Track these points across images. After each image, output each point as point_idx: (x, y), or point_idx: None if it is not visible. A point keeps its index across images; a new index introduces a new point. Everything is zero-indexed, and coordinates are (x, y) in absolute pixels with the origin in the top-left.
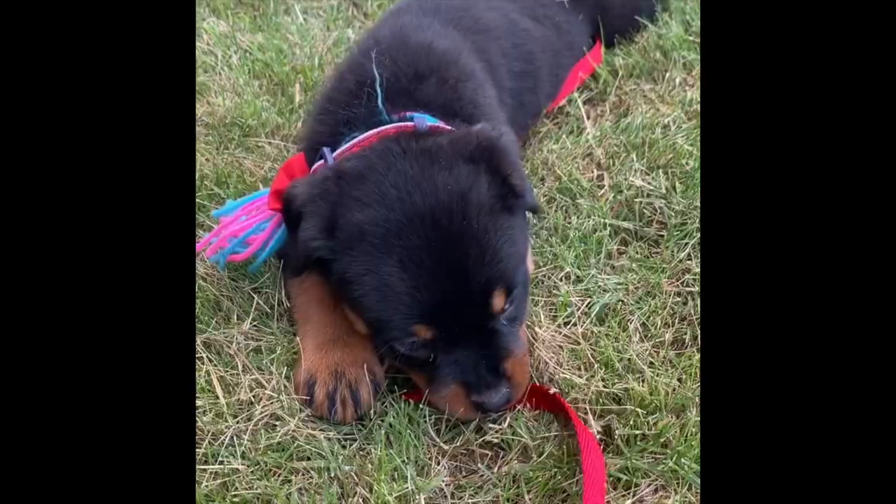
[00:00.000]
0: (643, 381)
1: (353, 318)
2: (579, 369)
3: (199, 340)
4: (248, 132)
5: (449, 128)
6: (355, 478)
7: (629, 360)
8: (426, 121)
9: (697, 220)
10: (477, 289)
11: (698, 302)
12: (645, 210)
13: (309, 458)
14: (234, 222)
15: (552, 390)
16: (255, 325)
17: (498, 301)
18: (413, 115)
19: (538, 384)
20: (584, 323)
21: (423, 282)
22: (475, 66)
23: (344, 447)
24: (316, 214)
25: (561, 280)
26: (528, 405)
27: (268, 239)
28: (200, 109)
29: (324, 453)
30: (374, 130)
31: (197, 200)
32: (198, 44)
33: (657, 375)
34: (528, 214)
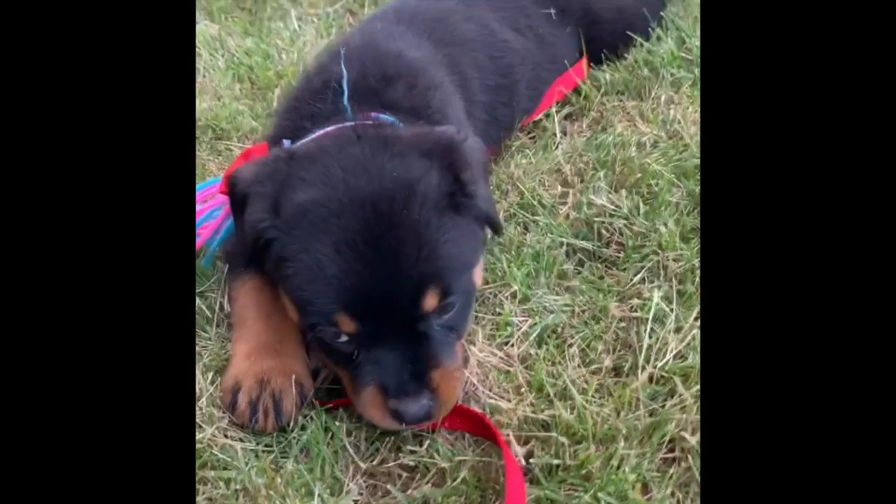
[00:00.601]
0: (573, 408)
1: (285, 301)
2: (508, 392)
3: None
4: (221, 135)
5: None
6: (265, 491)
7: (563, 385)
8: (391, 122)
9: (656, 244)
10: (408, 282)
11: (643, 328)
12: (604, 230)
13: (225, 468)
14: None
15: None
16: None
17: (430, 301)
18: (378, 115)
19: (464, 405)
20: (522, 344)
21: (352, 266)
22: (444, 79)
23: (259, 459)
24: (262, 195)
25: (507, 298)
26: (447, 425)
27: (218, 227)
28: None
29: (236, 464)
30: (337, 125)
31: None
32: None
33: (588, 403)
34: (488, 232)
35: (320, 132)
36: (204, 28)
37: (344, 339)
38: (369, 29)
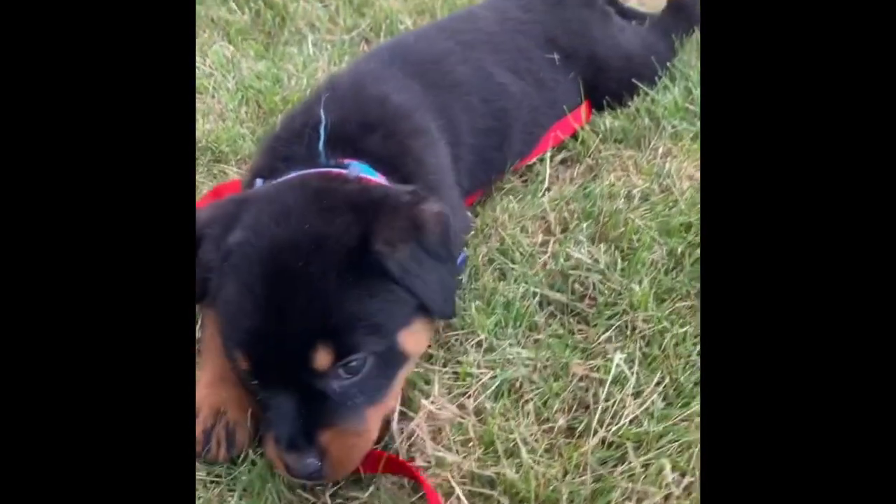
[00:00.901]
0: (519, 466)
1: None
2: (457, 444)
3: None
4: (219, 158)
5: (381, 181)
6: None
7: (513, 442)
8: (359, 170)
9: (628, 302)
10: (295, 334)
11: (601, 391)
12: (579, 284)
13: None
14: None
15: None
16: None
17: (322, 358)
18: (350, 163)
19: (389, 454)
20: (479, 397)
21: (250, 310)
22: (430, 124)
23: (206, 489)
24: (211, 237)
25: (472, 347)
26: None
27: None
28: None
29: None
30: (307, 171)
31: None
32: (201, 66)
33: (536, 463)
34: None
35: (291, 175)
36: (219, 49)
37: (249, 379)
38: (360, 69)
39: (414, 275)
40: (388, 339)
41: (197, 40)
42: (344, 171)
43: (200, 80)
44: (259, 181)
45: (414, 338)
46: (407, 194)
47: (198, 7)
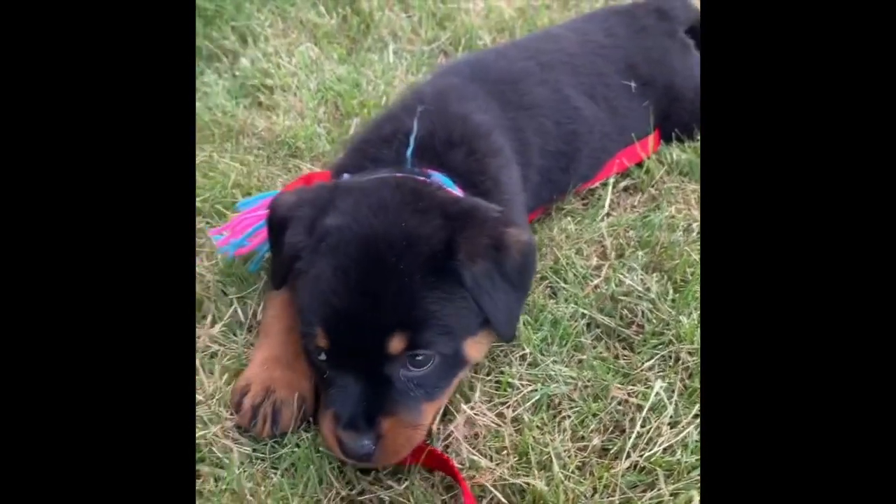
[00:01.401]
0: (550, 480)
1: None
2: (490, 450)
3: None
4: (295, 153)
5: (460, 194)
6: (248, 496)
7: (547, 455)
8: (441, 181)
9: (674, 334)
10: (378, 320)
11: (639, 416)
12: (628, 310)
13: (220, 467)
14: (251, 216)
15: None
16: (223, 331)
17: (395, 344)
18: (432, 174)
19: (434, 448)
20: (518, 408)
21: (339, 290)
22: (505, 145)
23: (251, 464)
24: (302, 218)
25: (517, 359)
26: (413, 462)
27: (258, 252)
28: (262, 124)
29: (230, 465)
30: (395, 173)
31: (219, 207)
32: (286, 65)
33: (566, 478)
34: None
35: (380, 174)
36: (305, 50)
37: (322, 356)
38: (443, 83)
39: (485, 291)
40: (455, 342)
41: (285, 40)
42: (427, 180)
43: (285, 79)
44: (347, 175)
45: (476, 347)
46: (496, 213)
47: (289, 8)
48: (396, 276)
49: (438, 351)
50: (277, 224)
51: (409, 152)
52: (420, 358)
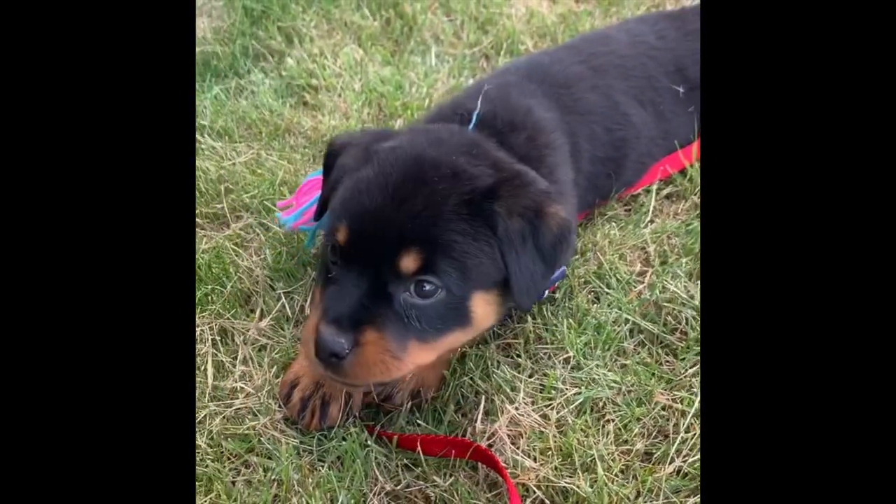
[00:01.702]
0: (594, 482)
1: None
2: (535, 451)
3: (215, 325)
4: None
5: None
6: (296, 487)
7: (591, 458)
8: None
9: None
10: (399, 229)
11: (682, 422)
12: (672, 317)
13: (268, 457)
14: (313, 189)
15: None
16: (271, 325)
17: (407, 261)
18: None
19: (480, 445)
20: (562, 410)
21: (372, 191)
22: (564, 144)
23: (300, 456)
24: (357, 145)
25: (560, 362)
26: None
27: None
28: (308, 123)
29: (278, 455)
30: None
31: (267, 203)
32: (331, 66)
33: (610, 481)
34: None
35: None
36: (350, 51)
37: (335, 259)
38: (503, 80)
39: (513, 248)
40: (466, 286)
41: (330, 41)
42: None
43: (330, 80)
44: None
45: (484, 307)
46: (546, 186)
47: (333, 10)
48: (431, 195)
49: (447, 285)
50: (332, 155)
51: (471, 126)
52: (427, 288)
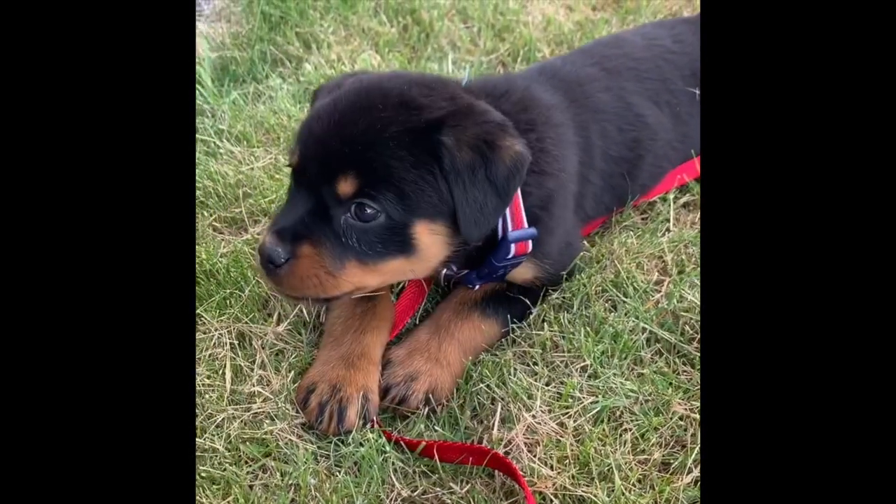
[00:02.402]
0: (611, 491)
1: None
2: (552, 459)
3: (234, 329)
4: None
5: None
6: (312, 492)
7: (608, 467)
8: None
9: None
10: (339, 153)
11: (699, 432)
12: (689, 326)
13: (285, 462)
14: None
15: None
16: (289, 330)
17: (345, 185)
18: None
19: (497, 452)
20: (579, 418)
21: (322, 117)
22: (567, 131)
23: (317, 461)
24: (331, 85)
25: (577, 371)
26: (476, 464)
27: None
28: None
29: (295, 460)
30: None
31: None
32: (349, 71)
33: (627, 490)
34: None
35: None
36: (367, 57)
37: (292, 181)
38: (510, 75)
39: (461, 181)
40: (407, 213)
41: (347, 47)
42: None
43: None
44: None
45: (429, 237)
46: (503, 121)
47: (351, 16)
48: (375, 123)
49: (386, 210)
50: (315, 94)
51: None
52: (368, 211)
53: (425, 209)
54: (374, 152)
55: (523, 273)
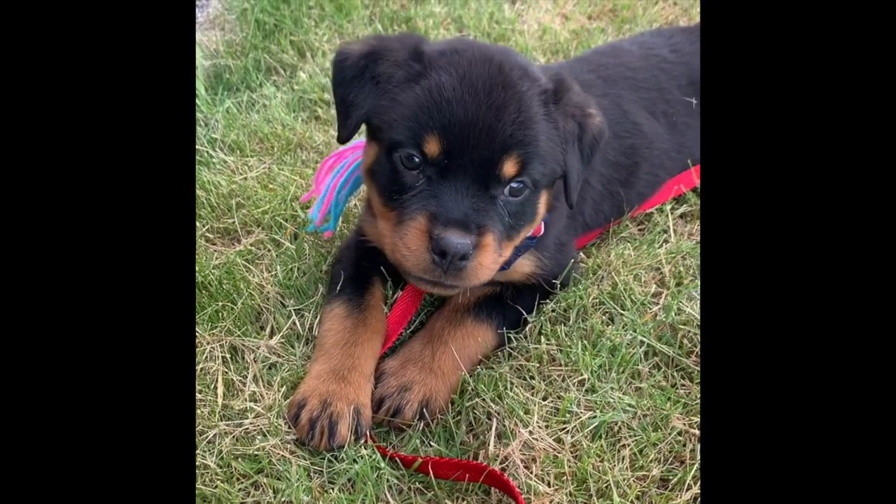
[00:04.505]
0: None
1: (372, 139)
2: (549, 476)
3: (226, 342)
4: None
5: None
6: None
7: (606, 484)
8: None
9: None
10: (501, 136)
11: (699, 447)
12: (687, 339)
13: (278, 478)
14: (325, 167)
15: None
16: (281, 343)
17: (510, 166)
18: None
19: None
20: (576, 434)
21: (465, 99)
22: None
23: (310, 478)
24: (397, 48)
25: (574, 385)
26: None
27: (331, 204)
28: (320, 138)
29: (288, 477)
30: None
31: (279, 219)
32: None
33: None
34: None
35: None
36: None
37: (416, 168)
38: None
39: (569, 148)
40: (542, 181)
41: None
42: None
43: None
44: None
45: (544, 205)
46: (583, 96)
47: (346, 24)
48: (520, 98)
49: (533, 181)
50: (355, 65)
51: None
52: (516, 185)
53: (549, 176)
54: (529, 129)
55: (523, 265)
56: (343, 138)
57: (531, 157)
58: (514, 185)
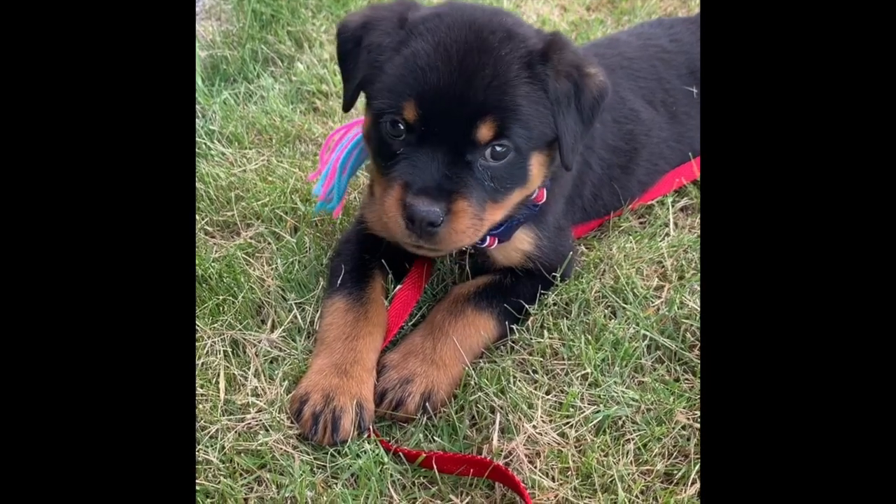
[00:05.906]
0: (614, 503)
1: (367, 107)
2: (554, 471)
3: (227, 337)
4: None
5: None
6: (310, 503)
7: (610, 478)
8: None
9: None
10: (474, 100)
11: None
12: (690, 333)
13: (281, 474)
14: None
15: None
16: (283, 337)
17: (485, 130)
18: None
19: (499, 464)
20: (580, 428)
21: (438, 66)
22: None
23: (313, 473)
24: (385, 17)
25: (578, 379)
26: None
27: (335, 179)
28: (319, 130)
29: (292, 472)
30: None
31: (279, 212)
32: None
33: (631, 502)
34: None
35: None
36: None
37: (400, 135)
38: None
39: (561, 110)
40: (528, 145)
41: None
42: None
43: (340, 86)
44: None
45: (538, 167)
46: (579, 55)
47: (343, 14)
48: (496, 62)
49: (517, 145)
50: (351, 40)
51: None
52: (500, 149)
53: (538, 140)
54: (505, 93)
55: (522, 241)
56: (345, 107)
57: (510, 121)
58: (497, 148)
